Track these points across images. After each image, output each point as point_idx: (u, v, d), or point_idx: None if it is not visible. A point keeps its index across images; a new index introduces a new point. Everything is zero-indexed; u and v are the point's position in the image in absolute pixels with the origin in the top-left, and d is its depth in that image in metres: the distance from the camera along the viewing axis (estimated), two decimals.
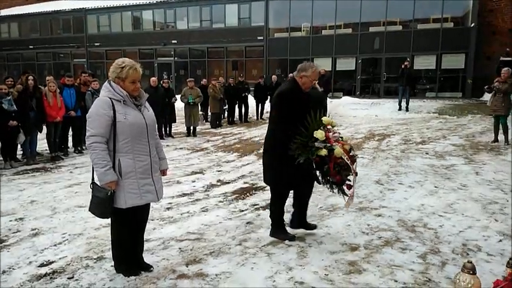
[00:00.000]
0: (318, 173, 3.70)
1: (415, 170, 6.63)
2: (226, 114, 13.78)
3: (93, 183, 2.99)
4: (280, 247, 3.72)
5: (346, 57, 20.31)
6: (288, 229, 4.01)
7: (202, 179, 6.37)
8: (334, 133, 3.60)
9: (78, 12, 26.03)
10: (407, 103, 14.97)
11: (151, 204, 3.57)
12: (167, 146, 9.44)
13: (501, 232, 4.03)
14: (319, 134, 3.47)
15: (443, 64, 18.76)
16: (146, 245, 3.57)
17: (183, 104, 11.16)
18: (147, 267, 3.26)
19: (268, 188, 5.75)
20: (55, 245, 3.83)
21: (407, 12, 19.09)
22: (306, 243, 3.79)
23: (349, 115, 14.93)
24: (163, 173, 3.31)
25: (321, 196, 5.37)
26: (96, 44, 25.76)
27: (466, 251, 3.60)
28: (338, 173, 3.51)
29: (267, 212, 4.71)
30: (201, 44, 23.32)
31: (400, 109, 15.10)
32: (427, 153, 8.01)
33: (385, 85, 19.72)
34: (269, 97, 14.40)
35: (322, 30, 21.08)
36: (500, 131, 8.73)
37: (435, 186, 5.67)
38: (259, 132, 11.45)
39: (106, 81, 3.01)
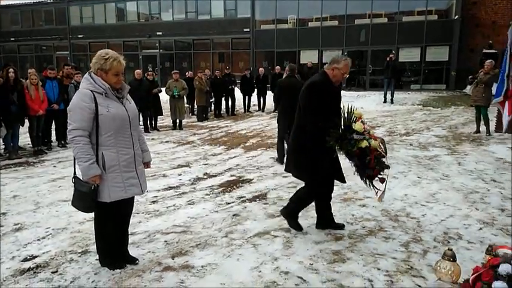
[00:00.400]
0: (352, 165, 3.65)
1: (399, 161, 6.72)
2: (212, 107, 13.71)
3: (75, 177, 2.96)
4: (266, 238, 3.75)
5: (332, 50, 20.33)
6: (313, 230, 3.96)
7: (188, 172, 6.35)
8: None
9: (60, 3, 25.51)
10: (392, 95, 15.12)
11: (137, 197, 3.56)
12: (152, 139, 9.37)
13: (481, 220, 4.13)
14: (358, 126, 3.47)
15: (427, 56, 18.96)
16: (131, 238, 3.56)
17: (168, 97, 11.05)
18: (133, 260, 3.25)
19: (255, 180, 5.83)
20: (39, 240, 3.79)
21: (393, 4, 19.22)
22: (292, 234, 3.83)
23: None
24: (147, 165, 3.28)
25: None
26: (79, 36, 25.29)
27: (447, 239, 3.69)
28: (377, 165, 3.51)
29: (254, 204, 4.75)
30: (187, 36, 23.09)
31: (385, 101, 15.25)
32: (411, 145, 8.12)
33: (370, 77, 19.86)
34: (256, 90, 14.39)
35: (309, 23, 21.07)
36: (482, 122, 8.89)
37: (418, 177, 5.77)
38: (247, 125, 11.45)
39: (87, 73, 2.96)
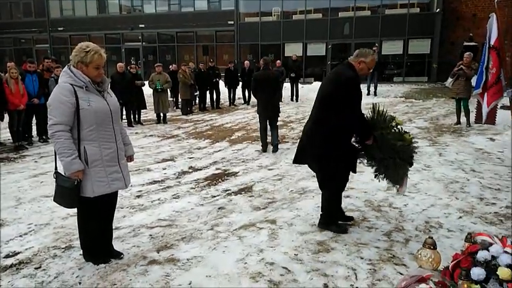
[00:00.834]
0: (365, 162, 3.72)
1: None
2: (197, 101, 13.62)
3: (56, 172, 2.91)
4: (251, 230, 3.78)
5: (317, 43, 20.42)
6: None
7: (173, 166, 6.32)
8: None
9: None
10: (375, 88, 15.27)
11: (121, 192, 3.53)
12: (136, 133, 9.28)
13: (461, 209, 4.24)
14: (398, 119, 3.56)
15: (410, 49, 19.19)
16: (116, 233, 3.54)
17: (151, 90, 10.93)
18: (117, 255, 3.24)
19: (240, 173, 5.84)
20: (21, 236, 3.73)
21: None
22: (277, 226, 3.87)
23: None
24: (130, 159, 3.26)
25: (291, 180, 5.46)
26: (59, 28, 24.69)
27: (428, 228, 3.78)
28: (407, 158, 3.55)
29: (239, 197, 4.77)
30: (170, 28, 22.80)
31: (368, 94, 15.38)
32: None
33: None
34: (241, 83, 14.34)
35: (293, 15, 21.05)
36: (462, 113, 9.08)
37: None
38: (232, 119, 11.43)
39: (66, 67, 2.90)
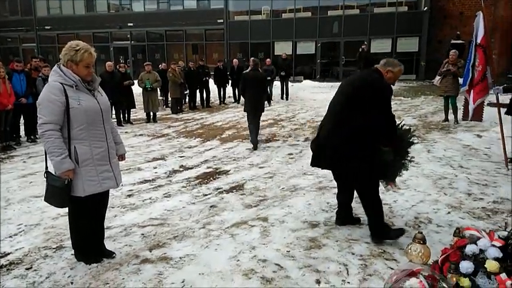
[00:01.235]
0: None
1: None
2: (187, 99, 13.58)
3: (46, 172, 2.89)
4: (243, 228, 3.79)
5: (306, 41, 20.49)
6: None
7: (164, 165, 6.30)
8: None
9: None
10: None
11: (112, 191, 3.52)
12: (126, 132, 9.22)
13: (449, 205, 4.31)
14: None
15: (398, 47, 19.37)
16: (107, 232, 3.52)
17: (141, 90, 10.86)
18: (109, 254, 3.23)
19: (231, 171, 5.84)
20: (10, 237, 3.70)
21: None
22: (269, 223, 3.89)
23: (309, 98, 15.16)
24: (122, 157, 3.25)
25: (283, 178, 5.49)
26: (46, 27, 24.36)
27: (417, 224, 3.83)
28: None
29: (231, 195, 4.78)
30: (159, 27, 22.67)
31: None
32: None
33: (344, 68, 20.13)
34: (231, 81, 14.32)
35: (282, 14, 21.09)
36: (450, 110, 9.20)
37: None
38: (222, 117, 11.42)
39: (55, 65, 2.88)
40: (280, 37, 20.56)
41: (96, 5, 23.97)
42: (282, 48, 19.58)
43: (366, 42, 17.04)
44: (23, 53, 24.24)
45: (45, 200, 2.93)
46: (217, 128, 9.76)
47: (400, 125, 3.74)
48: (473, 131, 8.05)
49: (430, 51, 18.64)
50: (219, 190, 5.01)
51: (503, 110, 6.00)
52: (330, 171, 3.81)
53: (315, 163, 3.66)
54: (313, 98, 15.18)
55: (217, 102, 14.50)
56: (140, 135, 9.07)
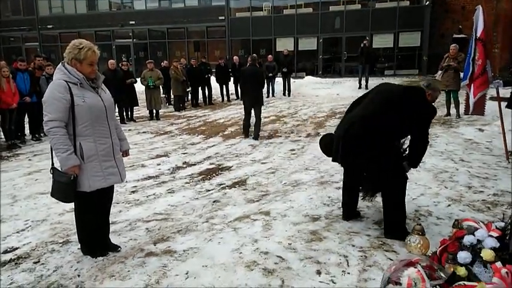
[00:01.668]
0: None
1: None
2: (189, 97, 13.63)
3: (53, 168, 2.96)
4: (246, 222, 3.85)
5: (308, 37, 20.46)
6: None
7: (167, 162, 6.37)
8: None
9: None
10: (366, 81, 15.36)
11: (116, 187, 3.58)
12: (129, 130, 9.29)
13: (450, 198, 4.35)
14: None
15: (400, 42, 19.32)
16: (113, 227, 3.59)
17: (143, 87, 10.93)
18: (115, 248, 3.30)
19: (234, 167, 5.91)
20: (18, 232, 3.77)
21: None
22: (271, 217, 3.95)
23: (312, 94, 15.19)
24: (126, 153, 3.32)
25: (284, 173, 5.55)
26: (48, 26, 24.44)
27: (418, 216, 3.88)
28: None
29: (233, 191, 4.84)
30: (161, 24, 22.71)
31: (360, 87, 15.49)
32: None
33: (346, 64, 20.11)
34: (232, 78, 14.35)
35: (284, 10, 21.06)
36: (452, 105, 9.21)
37: None
38: (224, 114, 11.47)
39: (60, 64, 2.94)
40: (282, 33, 20.55)
41: (98, 3, 24.03)
42: (284, 45, 19.57)
43: (367, 38, 17.01)
44: (26, 52, 24.33)
45: (51, 195, 2.99)
46: (220, 125, 9.82)
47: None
48: (475, 125, 8.07)
49: (432, 46, 18.57)
50: (221, 186, 5.08)
51: (503, 104, 6.03)
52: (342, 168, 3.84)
53: (338, 160, 3.62)
54: (315, 94, 15.20)
55: (219, 99, 14.54)
56: (143, 132, 9.14)
